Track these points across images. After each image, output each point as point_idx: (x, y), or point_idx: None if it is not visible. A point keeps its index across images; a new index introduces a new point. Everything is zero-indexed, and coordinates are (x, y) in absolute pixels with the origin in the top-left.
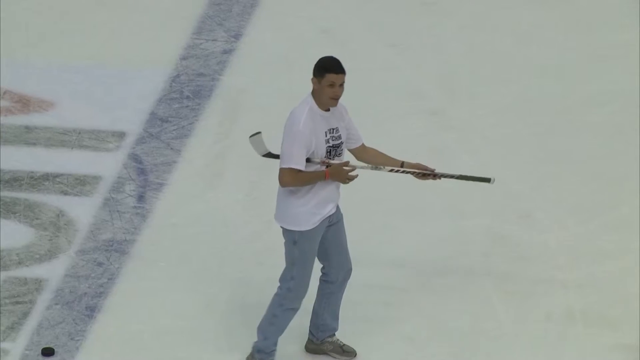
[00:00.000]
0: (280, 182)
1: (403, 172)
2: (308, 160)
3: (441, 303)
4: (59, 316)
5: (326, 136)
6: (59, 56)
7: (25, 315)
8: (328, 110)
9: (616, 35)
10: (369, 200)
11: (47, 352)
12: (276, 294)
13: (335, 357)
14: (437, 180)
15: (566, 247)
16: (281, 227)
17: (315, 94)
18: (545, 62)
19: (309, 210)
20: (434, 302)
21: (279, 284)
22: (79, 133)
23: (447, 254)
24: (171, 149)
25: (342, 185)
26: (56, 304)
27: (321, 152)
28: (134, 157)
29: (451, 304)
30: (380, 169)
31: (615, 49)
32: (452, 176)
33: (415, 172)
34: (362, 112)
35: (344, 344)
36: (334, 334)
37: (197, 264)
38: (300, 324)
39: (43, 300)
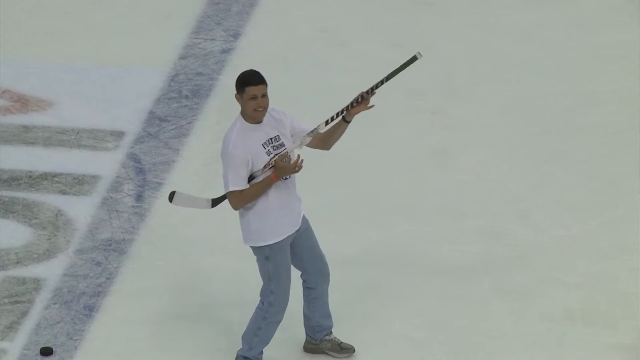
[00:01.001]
0: (232, 208)
1: (340, 113)
2: (252, 177)
3: (441, 303)
4: (58, 316)
5: (265, 148)
6: (57, 56)
7: (24, 314)
8: (260, 122)
9: (616, 35)
10: (369, 200)
11: (46, 351)
12: (259, 308)
13: (333, 356)
14: (375, 94)
15: (566, 246)
16: (250, 247)
17: (242, 110)
18: (545, 62)
19: (271, 223)
20: (433, 302)
21: (260, 299)
22: (78, 132)
23: (446, 253)
24: (170, 148)
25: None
26: (55, 303)
27: (264, 164)
28: (133, 157)
29: (451, 304)
30: (316, 130)
31: (615, 49)
32: (382, 82)
33: (347, 107)
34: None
35: (341, 342)
36: (331, 332)
37: (195, 264)
38: (298, 325)
39: (41, 299)
